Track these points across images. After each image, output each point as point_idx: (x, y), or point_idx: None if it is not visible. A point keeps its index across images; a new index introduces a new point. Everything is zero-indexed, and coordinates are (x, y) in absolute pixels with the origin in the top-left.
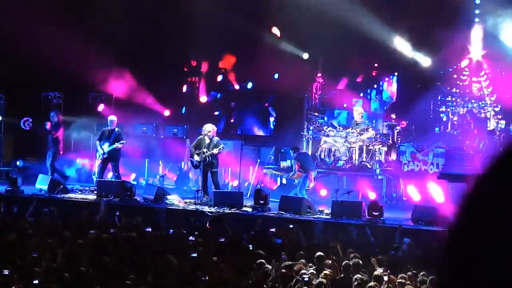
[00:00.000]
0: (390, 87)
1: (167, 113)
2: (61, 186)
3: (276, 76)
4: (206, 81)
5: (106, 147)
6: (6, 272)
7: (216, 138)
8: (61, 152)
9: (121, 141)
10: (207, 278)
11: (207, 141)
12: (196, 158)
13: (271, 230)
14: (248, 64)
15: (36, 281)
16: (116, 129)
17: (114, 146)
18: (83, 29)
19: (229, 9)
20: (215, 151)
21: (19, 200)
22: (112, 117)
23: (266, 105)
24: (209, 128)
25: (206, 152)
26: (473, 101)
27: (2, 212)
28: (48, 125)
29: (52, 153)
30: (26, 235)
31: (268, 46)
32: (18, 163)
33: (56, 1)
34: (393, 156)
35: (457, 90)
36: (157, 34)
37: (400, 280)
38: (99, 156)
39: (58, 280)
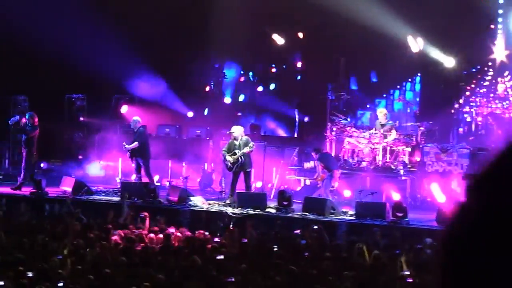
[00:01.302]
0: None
1: (190, 114)
2: (85, 188)
3: (299, 77)
4: (229, 81)
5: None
6: (30, 274)
7: (245, 137)
8: (35, 154)
9: (134, 143)
10: (232, 280)
11: (237, 143)
12: (229, 158)
13: (295, 231)
14: (271, 64)
15: (60, 284)
16: (139, 129)
17: (127, 147)
18: (107, 31)
19: (251, 10)
20: (246, 149)
21: (45, 201)
22: (135, 118)
23: (289, 106)
24: (237, 131)
25: (238, 152)
26: (497, 101)
27: (28, 214)
28: (17, 118)
29: (26, 153)
30: (51, 237)
31: (292, 48)
32: (42, 165)
33: (81, 3)
34: (417, 157)
35: (481, 91)
36: (181, 35)
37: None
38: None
39: (83, 282)
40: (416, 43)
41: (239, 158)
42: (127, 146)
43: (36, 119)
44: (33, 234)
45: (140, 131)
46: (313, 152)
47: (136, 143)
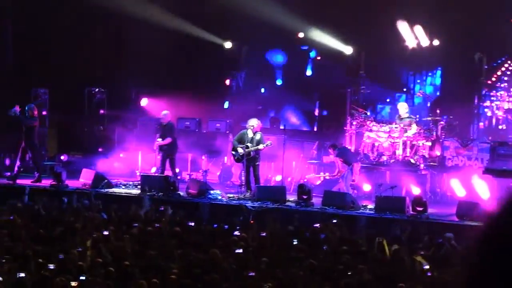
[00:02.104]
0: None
1: (209, 107)
2: (105, 181)
3: (319, 71)
4: (249, 75)
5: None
6: (51, 266)
7: (259, 133)
8: (36, 143)
9: (167, 138)
10: (253, 274)
11: (250, 135)
12: (240, 150)
13: (314, 225)
14: (291, 58)
15: (82, 277)
16: (169, 123)
17: (158, 142)
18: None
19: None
20: (261, 147)
21: (67, 194)
22: (164, 111)
23: (309, 100)
24: (254, 123)
25: (251, 146)
26: None
27: (48, 206)
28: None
29: (30, 146)
30: (72, 229)
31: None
32: (62, 157)
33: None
34: (437, 151)
35: (502, 85)
36: (200, 25)
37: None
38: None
39: (103, 274)
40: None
41: (250, 153)
42: (160, 141)
43: (36, 112)
44: (53, 227)
45: (171, 125)
46: (330, 148)
47: (169, 138)
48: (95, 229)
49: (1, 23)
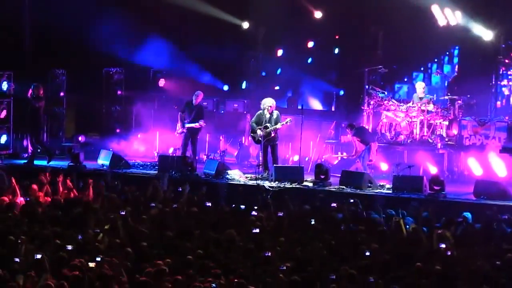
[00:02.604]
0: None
1: (225, 87)
2: (123, 161)
3: (336, 50)
4: (266, 55)
5: (184, 125)
6: (69, 247)
7: (276, 112)
8: (39, 125)
9: (199, 121)
10: (269, 254)
11: (267, 115)
12: (259, 132)
13: (332, 204)
14: (307, 38)
15: (99, 258)
16: (200, 104)
17: (192, 125)
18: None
19: None
20: (279, 125)
21: (83, 175)
22: (198, 92)
23: (326, 79)
24: (269, 103)
25: (270, 126)
26: None
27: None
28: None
29: (31, 128)
30: (90, 210)
31: (329, 21)
32: (80, 138)
33: None
34: (455, 130)
35: None
36: (218, 6)
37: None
38: (179, 131)
39: (120, 255)
40: (451, 16)
41: (271, 133)
42: (196, 124)
43: (42, 91)
44: (70, 208)
45: (201, 107)
46: (348, 128)
47: (202, 121)
48: (113, 210)
49: (19, 5)
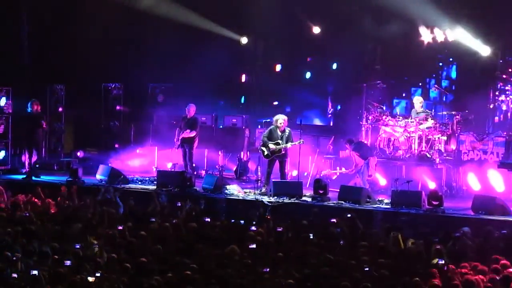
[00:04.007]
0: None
1: (222, 102)
2: (121, 177)
3: (334, 66)
4: (265, 70)
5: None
6: (68, 262)
7: (288, 129)
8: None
9: (192, 130)
10: (267, 270)
11: (279, 132)
12: (272, 147)
13: (331, 220)
14: (306, 53)
15: (98, 274)
16: (194, 116)
17: (183, 134)
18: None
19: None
20: (289, 145)
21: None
22: (190, 104)
23: (325, 94)
24: (281, 120)
25: (282, 143)
26: None
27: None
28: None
29: (35, 142)
30: (89, 225)
31: (328, 36)
32: (78, 154)
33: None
34: (453, 145)
35: None
36: (216, 21)
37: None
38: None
39: (119, 271)
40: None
41: (282, 150)
42: (182, 134)
43: (39, 107)
44: (69, 223)
45: (195, 119)
46: (347, 143)
47: (193, 131)
48: (112, 225)
49: (17, 20)
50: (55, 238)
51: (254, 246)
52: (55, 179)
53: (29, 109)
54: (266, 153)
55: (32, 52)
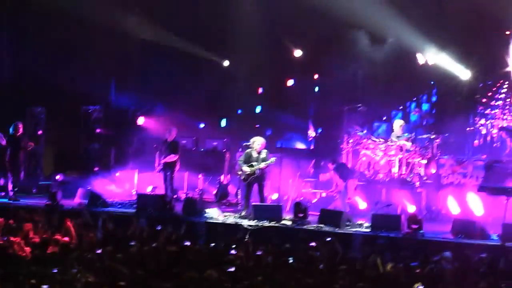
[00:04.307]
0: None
1: (202, 125)
2: (101, 200)
3: (316, 89)
4: (246, 93)
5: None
6: (45, 287)
7: (264, 151)
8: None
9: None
10: None
11: (256, 154)
12: (246, 169)
13: (311, 244)
14: (287, 76)
15: None
16: (175, 140)
17: (165, 159)
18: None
19: (270, 22)
20: (263, 165)
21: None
22: (171, 128)
23: (306, 118)
24: (258, 142)
25: (255, 165)
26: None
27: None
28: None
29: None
30: (67, 249)
31: (309, 59)
32: (58, 177)
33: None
34: (433, 169)
35: (497, 103)
36: (199, 44)
37: None
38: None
39: None
40: (425, 57)
41: (255, 171)
42: (163, 159)
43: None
44: (46, 246)
45: (176, 143)
46: (330, 162)
47: (173, 155)
48: (91, 249)
49: None
50: (33, 262)
51: (233, 269)
52: (34, 202)
53: (11, 131)
54: (243, 176)
55: (12, 75)
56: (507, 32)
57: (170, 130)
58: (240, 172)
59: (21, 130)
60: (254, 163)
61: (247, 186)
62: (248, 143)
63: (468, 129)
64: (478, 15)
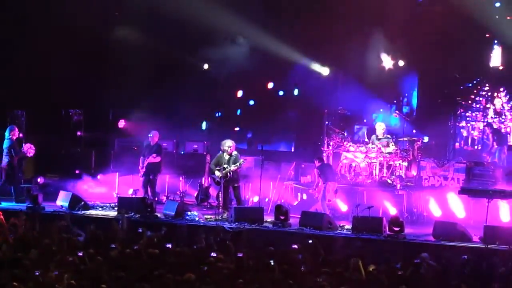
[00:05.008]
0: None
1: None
2: (82, 203)
3: (296, 92)
4: (226, 96)
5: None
6: None
7: (235, 153)
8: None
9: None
10: None
11: (227, 157)
12: (217, 173)
13: (293, 246)
14: (267, 79)
15: None
16: (157, 143)
17: (148, 160)
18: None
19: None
20: (233, 167)
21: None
22: (152, 132)
23: (286, 120)
24: (228, 144)
25: (227, 168)
26: (493, 116)
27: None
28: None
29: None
30: (48, 252)
31: (287, 62)
32: (39, 180)
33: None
34: (414, 171)
35: (477, 105)
36: (182, 47)
37: None
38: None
39: None
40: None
41: (228, 174)
42: (149, 159)
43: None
44: (28, 249)
45: (158, 145)
46: (316, 159)
47: (158, 157)
48: (72, 252)
49: None
50: (14, 264)
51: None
52: (14, 205)
53: (8, 136)
54: (216, 180)
55: None
56: (487, 35)
57: (152, 134)
58: (212, 176)
59: (16, 134)
60: (225, 166)
61: (224, 189)
62: (225, 146)
63: (449, 131)
64: (457, 17)
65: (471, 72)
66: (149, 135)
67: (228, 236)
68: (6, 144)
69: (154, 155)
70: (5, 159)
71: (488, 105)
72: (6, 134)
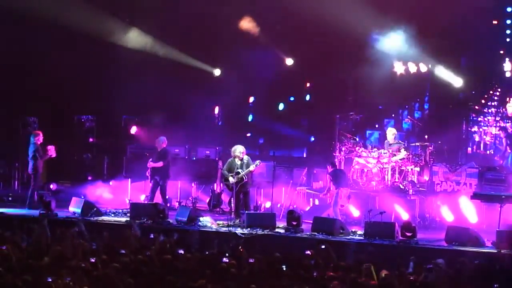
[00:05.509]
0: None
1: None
2: (95, 209)
3: (307, 97)
4: (237, 102)
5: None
6: None
7: (246, 157)
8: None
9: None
10: None
11: (239, 162)
12: (231, 180)
13: (306, 252)
14: (279, 85)
15: None
16: (163, 149)
17: (149, 164)
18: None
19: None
20: (252, 168)
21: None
22: (161, 137)
23: (298, 126)
24: (240, 150)
25: (242, 172)
26: (506, 120)
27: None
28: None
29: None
30: (60, 259)
31: (301, 68)
32: (51, 186)
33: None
34: (426, 177)
35: (490, 110)
36: (190, 55)
37: None
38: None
39: None
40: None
41: (243, 177)
42: (151, 163)
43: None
44: (41, 256)
45: (165, 151)
46: (329, 165)
47: (161, 162)
48: (85, 258)
49: None
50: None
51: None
52: (28, 212)
53: (33, 140)
54: (229, 186)
55: (4, 85)
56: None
57: (159, 140)
58: (226, 182)
59: (41, 139)
60: (239, 170)
61: (236, 195)
62: (235, 151)
63: (461, 136)
64: (471, 25)
65: (484, 77)
66: (157, 141)
67: (241, 242)
68: (31, 148)
69: (159, 162)
70: (30, 163)
71: (500, 110)
72: (31, 139)
